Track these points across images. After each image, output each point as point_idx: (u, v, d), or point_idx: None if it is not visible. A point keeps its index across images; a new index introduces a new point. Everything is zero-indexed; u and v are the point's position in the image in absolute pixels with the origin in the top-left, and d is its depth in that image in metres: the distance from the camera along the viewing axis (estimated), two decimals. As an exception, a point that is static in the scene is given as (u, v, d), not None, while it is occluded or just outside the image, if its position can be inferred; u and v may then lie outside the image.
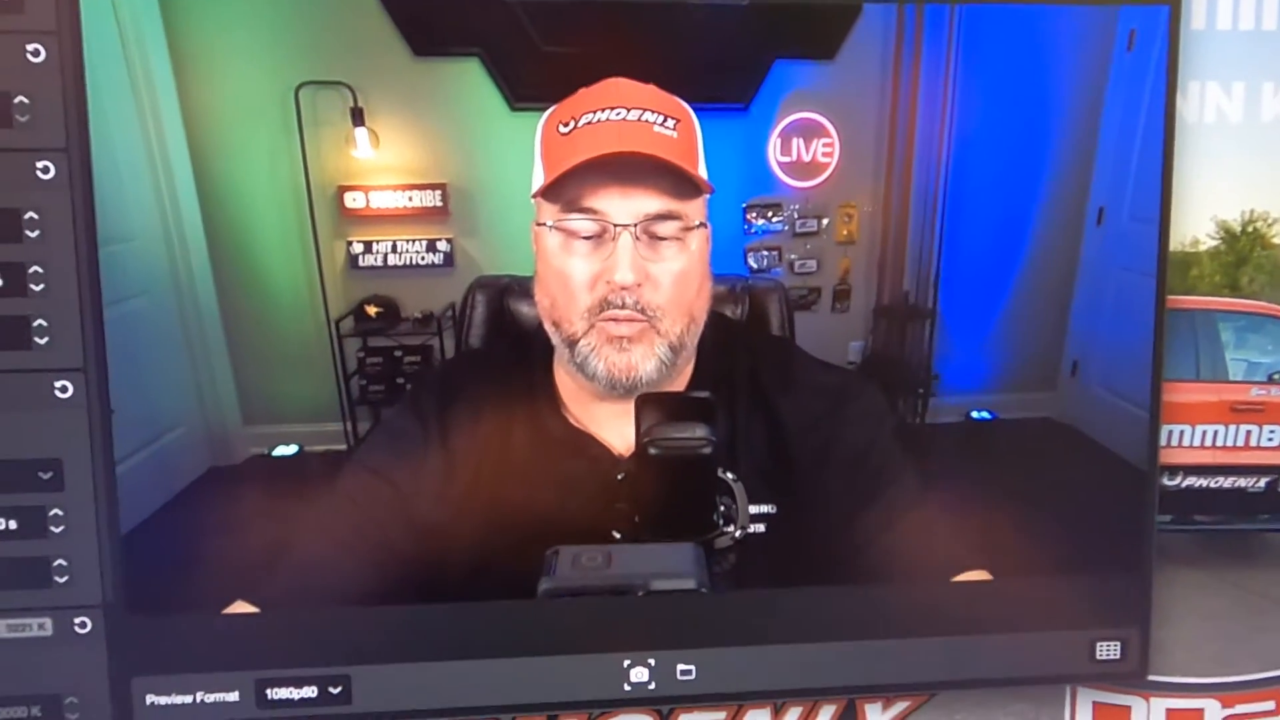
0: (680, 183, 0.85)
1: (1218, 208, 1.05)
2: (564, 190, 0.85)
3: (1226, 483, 1.09)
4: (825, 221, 1.01)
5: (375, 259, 0.97)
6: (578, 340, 0.87)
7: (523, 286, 0.97)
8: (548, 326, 0.90)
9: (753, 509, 1.00)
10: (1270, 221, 1.05)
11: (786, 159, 0.98)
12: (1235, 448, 1.08)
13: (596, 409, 0.94)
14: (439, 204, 0.97)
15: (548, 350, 0.92)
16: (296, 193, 0.94)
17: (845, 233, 1.01)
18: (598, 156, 0.82)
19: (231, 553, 0.96)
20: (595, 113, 0.85)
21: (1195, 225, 1.05)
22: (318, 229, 0.95)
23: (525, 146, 0.95)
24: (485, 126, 0.96)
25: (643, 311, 0.87)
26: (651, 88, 0.87)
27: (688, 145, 0.87)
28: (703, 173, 0.88)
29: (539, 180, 0.88)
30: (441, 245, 0.98)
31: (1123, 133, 1.01)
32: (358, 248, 0.97)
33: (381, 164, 0.95)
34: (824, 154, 0.99)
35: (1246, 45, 1.03)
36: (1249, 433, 1.08)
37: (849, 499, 0.96)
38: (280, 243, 0.96)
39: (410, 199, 0.96)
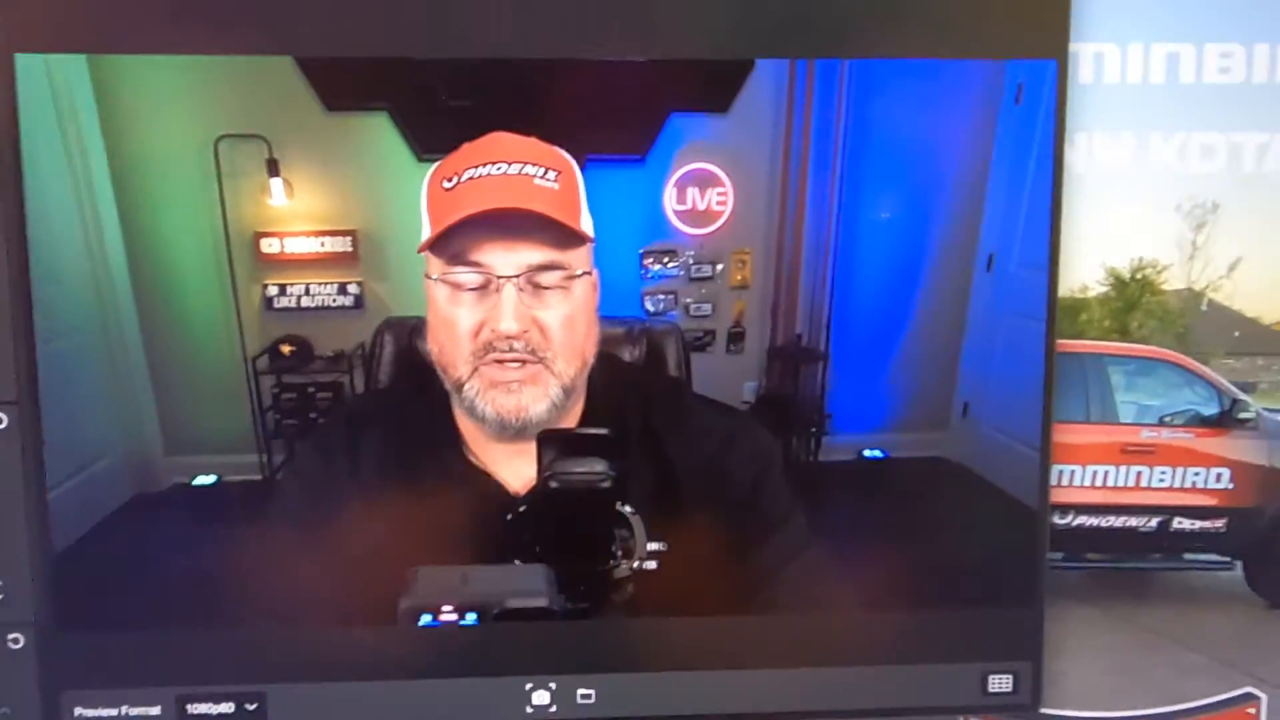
0: (562, 234, 0.90)
1: (1107, 255, 1.08)
2: (449, 245, 0.91)
3: (1118, 522, 1.12)
4: (720, 267, 1.05)
5: (289, 301, 1.03)
6: (463, 384, 0.93)
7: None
8: (439, 373, 0.95)
9: (653, 547, 1.05)
10: (1159, 268, 1.09)
11: (682, 207, 1.03)
12: (1126, 488, 1.11)
13: (494, 449, 0.99)
14: (349, 249, 1.03)
15: (444, 394, 0.97)
16: (216, 238, 1.01)
17: (739, 278, 1.05)
18: (479, 213, 0.87)
19: (155, 574, 1.02)
20: (477, 167, 0.90)
21: (1085, 272, 1.08)
22: (236, 273, 1.02)
23: (431, 196, 1.01)
24: (393, 177, 1.01)
25: (534, 353, 0.92)
26: (533, 140, 0.92)
27: (569, 196, 0.92)
28: (585, 222, 0.93)
29: (425, 235, 0.93)
30: (352, 288, 1.04)
31: (1012, 182, 1.04)
32: (273, 290, 1.03)
33: (295, 212, 1.01)
34: (718, 203, 1.03)
35: (1134, 97, 1.07)
36: (1139, 474, 1.11)
37: (738, 538, 1.01)
38: (201, 285, 1.02)
39: (322, 244, 1.02)
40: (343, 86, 1.00)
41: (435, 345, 0.95)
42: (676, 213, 1.03)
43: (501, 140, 0.92)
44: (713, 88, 1.02)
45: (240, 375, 1.03)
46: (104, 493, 1.03)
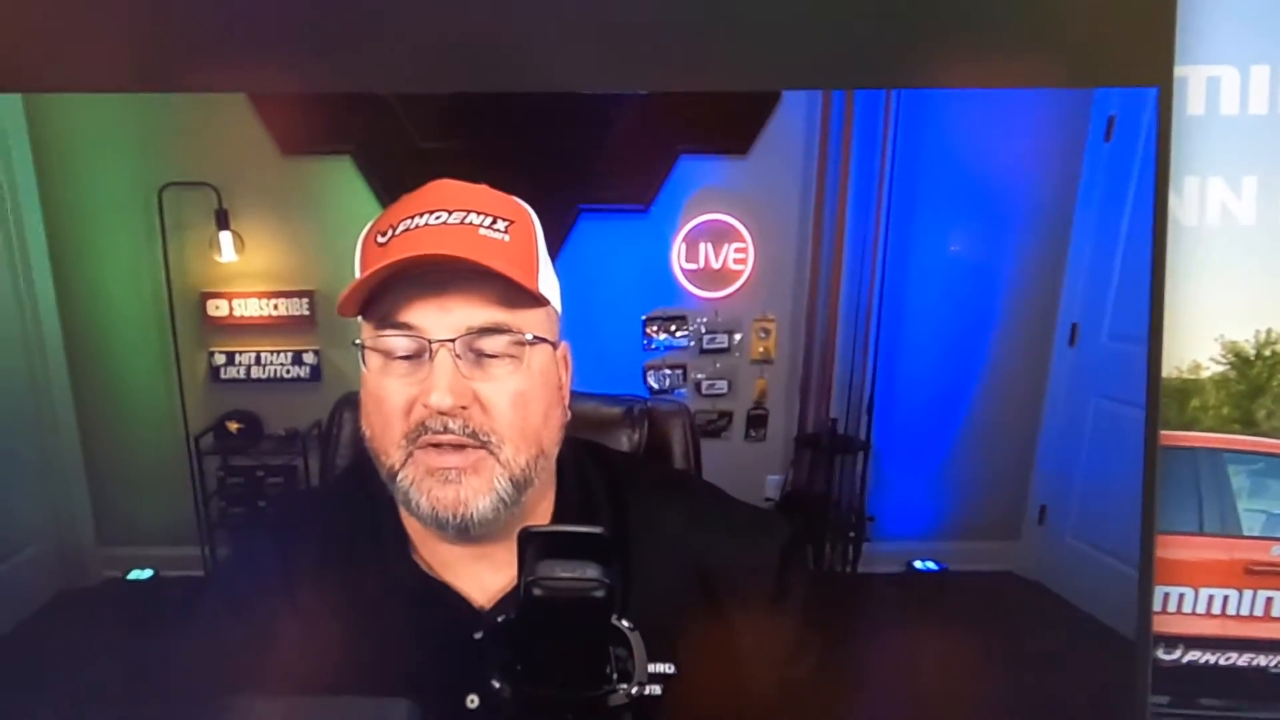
0: (511, 292, 0.77)
1: (1225, 326, 0.90)
2: (379, 304, 0.78)
3: (1240, 660, 0.92)
4: (738, 337, 0.93)
5: (238, 371, 0.93)
6: (396, 472, 0.79)
7: (393, 405, 0.90)
8: (374, 460, 0.82)
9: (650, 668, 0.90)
10: (1293, 344, 0.89)
11: (692, 266, 0.91)
12: (1251, 618, 0.92)
13: (449, 553, 0.85)
14: (306, 312, 0.93)
15: (386, 486, 0.84)
16: (158, 299, 0.92)
17: (761, 350, 0.92)
18: (403, 261, 0.74)
19: (81, 680, 0.91)
20: (414, 217, 0.77)
21: (1196, 347, 0.90)
22: (178, 338, 0.93)
23: (400, 251, 0.89)
24: (357, 230, 0.90)
25: (474, 436, 0.78)
26: (483, 187, 0.80)
27: (522, 250, 0.78)
28: (545, 281, 0.79)
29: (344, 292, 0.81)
30: (308, 357, 0.93)
31: (1101, 236, 0.89)
32: (220, 358, 0.93)
33: (246, 269, 0.92)
34: (736, 260, 0.91)
35: (1259, 131, 0.88)
36: (1269, 600, 0.91)
37: (756, 657, 0.85)
38: (140, 352, 0.93)
39: (276, 307, 0.92)
40: (302, 127, 0.91)
41: (367, 427, 0.82)
42: (686, 272, 0.91)
43: (444, 187, 0.80)
44: (729, 125, 0.91)
45: (182, 456, 0.94)
46: (27, 587, 0.94)
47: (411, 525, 0.84)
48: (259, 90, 0.88)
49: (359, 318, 0.79)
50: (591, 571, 0.89)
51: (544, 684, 0.90)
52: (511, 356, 0.77)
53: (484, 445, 0.77)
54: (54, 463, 0.93)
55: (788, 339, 0.91)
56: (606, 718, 0.91)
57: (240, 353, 0.93)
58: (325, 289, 0.92)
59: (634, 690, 0.91)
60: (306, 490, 0.93)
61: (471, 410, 0.76)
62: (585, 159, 0.89)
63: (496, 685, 0.90)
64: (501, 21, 0.87)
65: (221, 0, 0.89)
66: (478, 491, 0.77)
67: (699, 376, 0.93)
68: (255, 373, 0.93)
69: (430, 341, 0.76)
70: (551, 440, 0.81)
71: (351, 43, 0.88)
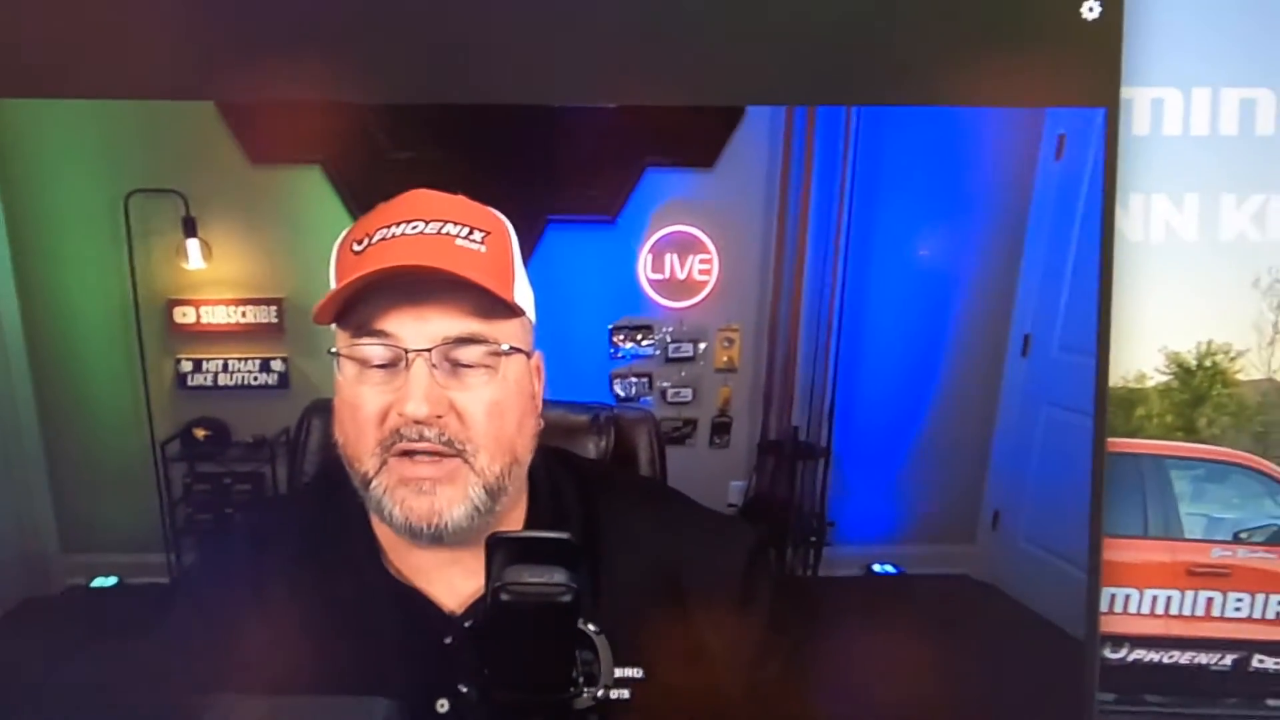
0: (487, 303, 0.78)
1: (1168, 338, 0.93)
2: (355, 313, 0.79)
3: (1183, 658, 0.96)
4: (703, 346, 0.94)
5: (205, 378, 0.93)
6: (370, 480, 0.80)
7: (362, 413, 0.91)
8: (347, 467, 0.82)
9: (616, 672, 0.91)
10: (1233, 355, 0.93)
11: (658, 276, 0.92)
12: (1194, 617, 0.95)
13: (419, 559, 0.86)
14: (274, 320, 0.93)
15: (358, 494, 0.85)
16: (123, 306, 0.92)
17: (726, 358, 0.94)
18: (381, 271, 0.75)
19: (44, 691, 0.91)
20: (391, 227, 0.78)
21: (1141, 358, 0.94)
22: (144, 345, 0.93)
23: (369, 260, 0.90)
24: (326, 239, 0.90)
25: (449, 444, 0.79)
26: (460, 198, 0.81)
27: (498, 260, 0.79)
28: (520, 293, 0.80)
29: (321, 301, 0.81)
30: (276, 365, 0.93)
31: (1052, 251, 0.92)
32: (187, 366, 0.93)
33: (214, 277, 0.91)
34: (701, 271, 0.92)
35: (1200, 152, 0.92)
36: (1210, 600, 0.95)
37: (720, 659, 0.87)
38: (105, 359, 0.93)
39: (244, 314, 0.92)
40: (271, 136, 0.91)
41: (341, 434, 0.82)
42: (652, 282, 0.92)
43: (421, 197, 0.81)
44: (695, 138, 0.92)
45: (147, 462, 0.93)
46: (-10, 594, 0.92)
47: (382, 531, 0.85)
48: (227, 98, 0.88)
49: (333, 325, 0.79)
50: (558, 576, 0.90)
51: (511, 688, 0.92)
52: (487, 366, 0.78)
53: (459, 454, 0.78)
54: (16, 470, 0.93)
55: (751, 348, 0.93)
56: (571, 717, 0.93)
57: (208, 360, 0.93)
58: (294, 297, 0.92)
59: (599, 693, 0.93)
60: (276, 496, 0.93)
61: (447, 419, 0.78)
62: (553, 170, 0.90)
63: (464, 690, 0.92)
64: (472, 34, 0.89)
65: (190, 7, 0.90)
66: (452, 501, 0.79)
67: (664, 384, 0.94)
68: (223, 380, 0.93)
69: (406, 351, 0.77)
70: (525, 448, 0.82)
71: (322, 52, 0.89)
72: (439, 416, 0.77)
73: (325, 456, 0.93)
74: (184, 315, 0.92)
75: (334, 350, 0.79)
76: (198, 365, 0.93)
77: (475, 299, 0.77)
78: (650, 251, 0.92)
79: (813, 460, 0.94)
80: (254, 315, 0.92)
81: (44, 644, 0.93)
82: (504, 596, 0.91)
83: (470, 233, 0.77)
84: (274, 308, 0.92)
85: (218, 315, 0.92)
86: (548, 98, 0.88)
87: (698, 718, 0.91)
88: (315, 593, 0.85)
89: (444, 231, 0.77)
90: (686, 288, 0.92)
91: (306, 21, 0.89)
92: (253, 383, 0.93)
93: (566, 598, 0.91)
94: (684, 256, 0.92)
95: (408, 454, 0.78)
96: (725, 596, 0.88)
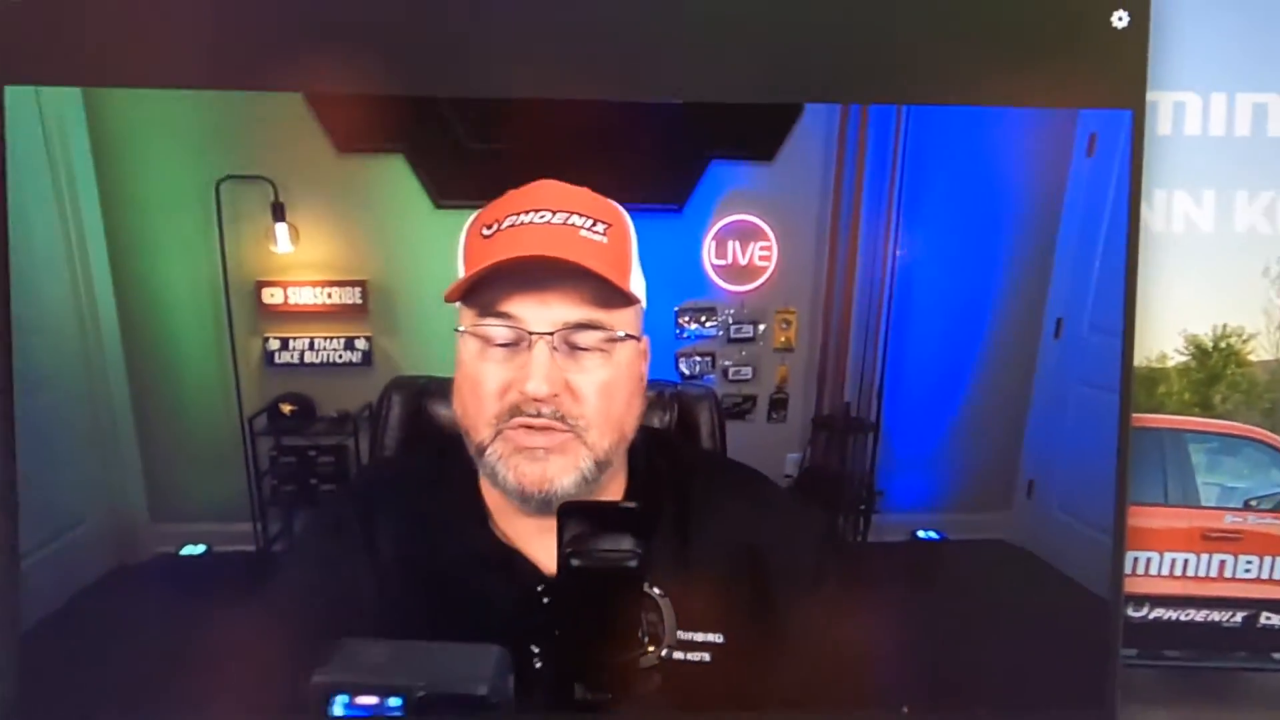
0: (606, 291, 0.83)
1: (1187, 321, 1.01)
2: (481, 294, 0.84)
3: (1198, 616, 1.04)
4: (762, 327, 0.99)
5: (291, 356, 0.97)
6: (485, 448, 0.85)
7: (441, 388, 0.97)
8: (463, 436, 0.88)
9: (684, 635, 0.96)
10: (1245, 337, 1.01)
11: (722, 262, 0.97)
12: (1207, 578, 1.03)
13: (523, 524, 0.91)
14: (358, 301, 0.97)
15: (471, 461, 0.90)
16: (214, 287, 0.96)
17: (783, 339, 0.99)
18: (511, 260, 0.81)
19: (134, 653, 0.95)
20: (519, 215, 0.83)
21: (1163, 339, 1.01)
22: (234, 324, 0.96)
23: (449, 245, 0.95)
24: (408, 224, 0.96)
25: (564, 420, 0.85)
26: (584, 190, 0.86)
27: (618, 252, 0.85)
28: (635, 282, 0.86)
29: (454, 282, 0.86)
30: (360, 343, 0.98)
31: (1083, 240, 0.98)
32: (274, 344, 0.97)
33: (301, 260, 0.96)
34: (761, 257, 0.97)
35: (1217, 152, 1.00)
36: (1223, 563, 1.03)
37: (783, 626, 0.93)
38: (196, 337, 0.97)
39: (329, 296, 0.97)
40: (356, 126, 0.95)
41: (460, 405, 0.87)
42: (716, 268, 0.98)
43: (548, 187, 0.86)
44: (757, 133, 0.97)
45: (235, 436, 0.97)
46: (81, 562, 0.96)
47: (491, 496, 0.90)
48: (315, 90, 0.93)
49: (459, 304, 0.85)
50: (626, 543, 0.96)
51: (579, 647, 0.97)
52: (601, 350, 0.84)
53: (571, 429, 0.84)
54: (109, 443, 0.97)
55: (807, 329, 0.99)
56: (637, 678, 0.99)
57: (294, 338, 0.97)
58: (377, 279, 0.97)
59: (663, 653, 0.99)
60: (388, 458, 0.97)
61: (563, 397, 0.83)
62: (625, 161, 0.95)
63: (535, 649, 0.97)
64: (551, 33, 0.94)
65: (279, 3, 0.94)
66: (563, 470, 0.84)
67: (726, 363, 1.00)
68: (308, 357, 0.97)
69: (529, 333, 0.82)
70: (631, 426, 0.88)
71: (405, 48, 0.93)
72: (555, 395, 0.83)
73: (406, 430, 0.98)
74: (272, 296, 0.96)
75: (460, 328, 0.84)
76: (285, 343, 0.97)
77: (595, 287, 0.82)
78: (714, 239, 0.98)
79: (863, 434, 1.01)
80: (339, 296, 0.97)
81: (135, 609, 0.97)
82: (575, 561, 0.97)
83: (594, 224, 0.83)
84: (358, 289, 0.97)
85: (304, 296, 0.96)
86: (621, 94, 0.94)
87: (768, 676, 0.97)
88: (425, 550, 0.90)
89: (569, 222, 0.82)
90: (747, 273, 0.98)
91: (391, 20, 0.94)
92: (337, 360, 0.98)
93: (633, 563, 0.97)
94: (745, 244, 0.98)
95: (524, 426, 0.84)
96: (799, 574, 0.94)
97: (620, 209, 0.87)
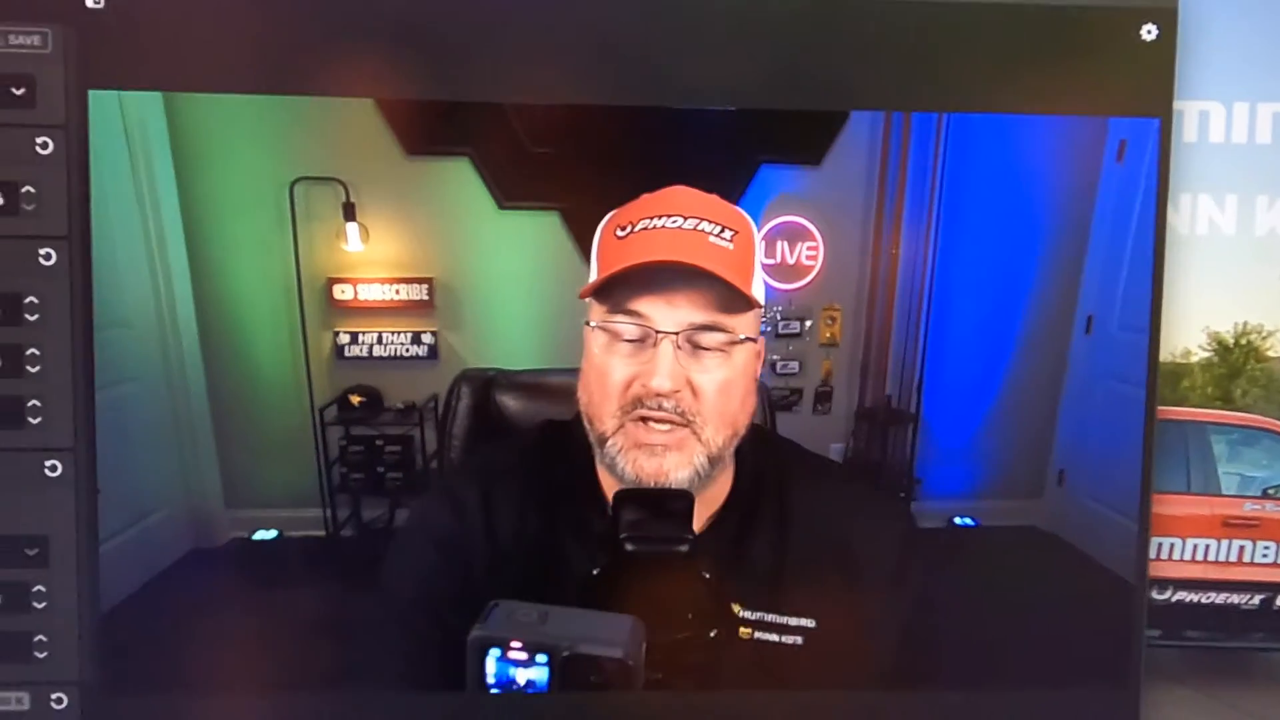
0: (729, 296, 0.89)
1: (1210, 319, 1.06)
2: (612, 292, 0.89)
3: (1219, 598, 1.09)
4: (808, 324, 1.04)
5: (361, 350, 1.02)
6: (607, 439, 0.91)
7: (508, 380, 1.02)
8: (585, 424, 0.93)
9: (768, 616, 1.01)
10: (1264, 334, 1.07)
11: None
12: (1227, 563, 1.09)
13: None
14: (425, 298, 1.01)
15: (588, 448, 0.94)
16: (287, 284, 1.00)
17: (828, 335, 1.04)
18: (644, 264, 0.86)
19: (208, 634, 0.99)
20: (652, 219, 0.89)
21: (1187, 336, 1.07)
22: (306, 319, 1.00)
23: (512, 244, 1.00)
24: (473, 224, 1.00)
25: (682, 415, 0.90)
26: (714, 197, 0.91)
27: (743, 258, 0.90)
28: (757, 287, 0.91)
29: (591, 280, 0.92)
30: (426, 338, 1.02)
31: (1113, 242, 1.03)
32: (344, 338, 1.02)
33: (370, 258, 1.00)
34: (808, 257, 1.02)
35: (1240, 158, 1.05)
36: (1242, 548, 1.08)
37: (875, 620, 0.98)
38: (269, 332, 1.01)
39: (397, 292, 1.01)
40: (424, 131, 0.99)
41: (585, 394, 0.93)
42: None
43: (680, 194, 0.91)
44: (805, 138, 1.02)
45: (307, 426, 1.02)
46: (159, 546, 1.01)
47: (608, 483, 0.95)
48: (386, 96, 0.97)
49: (589, 299, 0.90)
50: (680, 530, 1.01)
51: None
52: (722, 351, 0.89)
53: (689, 425, 0.89)
54: (185, 433, 1.01)
55: (851, 326, 1.04)
56: (689, 660, 1.03)
57: (363, 333, 1.02)
58: (443, 276, 1.02)
59: (711, 634, 1.04)
60: (504, 441, 1.02)
61: (683, 394, 0.89)
62: (678, 166, 0.99)
63: (605, 613, 1.02)
64: (609, 43, 0.98)
65: (349, 12, 0.99)
66: (679, 465, 0.90)
67: (774, 358, 1.05)
68: (377, 351, 1.02)
69: (656, 331, 0.88)
70: (744, 424, 0.93)
71: (472, 54, 0.98)
72: (677, 391, 0.88)
73: (474, 420, 1.03)
74: (343, 292, 1.01)
75: (591, 323, 0.90)
76: (354, 338, 1.02)
77: (719, 292, 0.87)
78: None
79: (903, 425, 1.06)
80: (406, 293, 1.01)
81: (210, 590, 1.02)
82: (629, 546, 1.02)
83: (721, 231, 0.88)
84: (425, 286, 1.02)
85: (373, 292, 1.01)
86: (676, 101, 0.98)
87: (850, 662, 1.01)
88: (539, 527, 0.94)
89: (699, 229, 0.88)
90: (795, 271, 1.03)
91: (457, 29, 0.98)
92: (404, 354, 1.02)
93: (684, 548, 1.02)
94: (793, 244, 1.02)
95: (644, 420, 0.89)
96: (886, 568, 0.99)
97: (747, 216, 0.93)
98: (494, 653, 0.92)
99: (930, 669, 1.00)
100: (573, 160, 0.99)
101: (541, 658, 0.94)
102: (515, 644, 0.94)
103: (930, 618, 0.99)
